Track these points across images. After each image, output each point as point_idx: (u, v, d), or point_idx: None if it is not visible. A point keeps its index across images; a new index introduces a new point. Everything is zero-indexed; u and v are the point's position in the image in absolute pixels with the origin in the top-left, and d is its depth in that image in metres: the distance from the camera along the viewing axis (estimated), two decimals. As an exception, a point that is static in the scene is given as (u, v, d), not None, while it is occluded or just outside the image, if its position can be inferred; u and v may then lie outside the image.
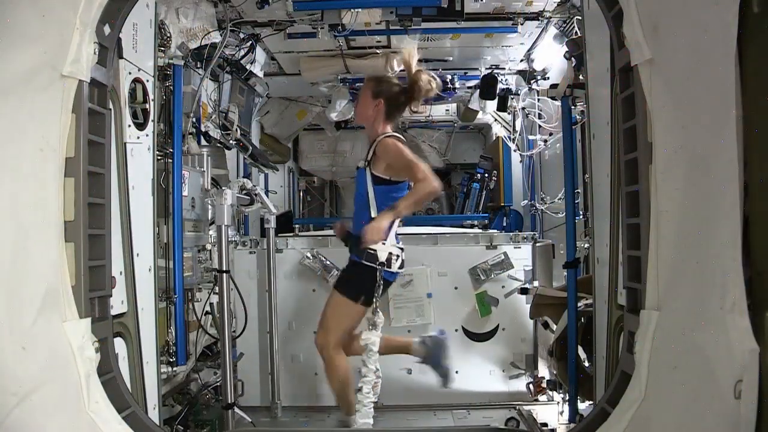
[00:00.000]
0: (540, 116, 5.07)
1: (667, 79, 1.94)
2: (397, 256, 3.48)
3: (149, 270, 2.88)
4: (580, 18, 3.27)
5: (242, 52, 4.38)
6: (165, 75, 3.49)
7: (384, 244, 3.42)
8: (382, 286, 3.42)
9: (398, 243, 3.53)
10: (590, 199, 2.92)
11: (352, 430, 3.49)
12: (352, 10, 3.90)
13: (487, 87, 5.08)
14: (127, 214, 2.64)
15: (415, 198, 3.37)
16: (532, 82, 5.16)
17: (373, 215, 3.42)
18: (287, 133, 6.66)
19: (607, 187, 2.58)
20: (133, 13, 2.55)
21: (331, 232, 4.41)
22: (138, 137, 2.82)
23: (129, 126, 2.74)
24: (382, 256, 3.41)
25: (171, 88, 3.52)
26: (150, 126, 2.96)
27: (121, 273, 2.59)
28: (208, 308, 3.91)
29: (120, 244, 2.59)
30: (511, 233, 4.44)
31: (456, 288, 4.31)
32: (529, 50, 4.86)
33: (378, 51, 4.73)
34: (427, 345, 3.79)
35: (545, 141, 5.22)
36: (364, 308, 3.49)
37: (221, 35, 3.93)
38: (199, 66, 3.86)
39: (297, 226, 5.52)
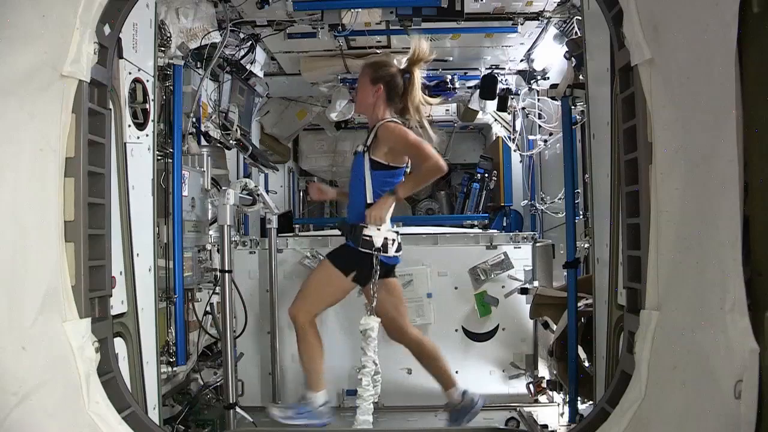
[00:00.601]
0: (540, 116, 5.07)
1: (667, 79, 1.94)
2: (393, 240, 3.46)
3: (149, 270, 2.87)
4: (580, 18, 3.26)
5: (242, 52, 4.38)
6: (165, 75, 3.49)
7: (379, 229, 3.41)
8: (379, 272, 3.38)
9: (393, 227, 3.51)
10: (590, 199, 2.92)
11: (353, 430, 3.48)
12: (352, 10, 3.90)
13: (487, 87, 5.08)
14: (127, 214, 2.64)
15: (419, 178, 3.38)
16: (532, 82, 5.16)
17: (369, 201, 3.41)
18: (287, 133, 6.66)
19: (607, 187, 2.57)
20: (133, 13, 2.54)
21: (331, 232, 4.42)
22: (138, 137, 2.82)
23: (129, 126, 2.74)
24: (378, 242, 3.38)
25: (171, 88, 3.52)
26: (150, 126, 2.96)
27: (121, 273, 2.59)
28: (207, 308, 3.91)
29: (120, 244, 2.59)
30: (511, 233, 4.44)
31: (456, 288, 4.30)
32: (529, 50, 4.86)
33: (378, 51, 4.73)
34: (463, 401, 3.59)
35: (545, 141, 5.22)
36: (351, 286, 3.46)
37: (221, 35, 3.93)
38: (199, 66, 3.86)
39: (297, 226, 5.52)
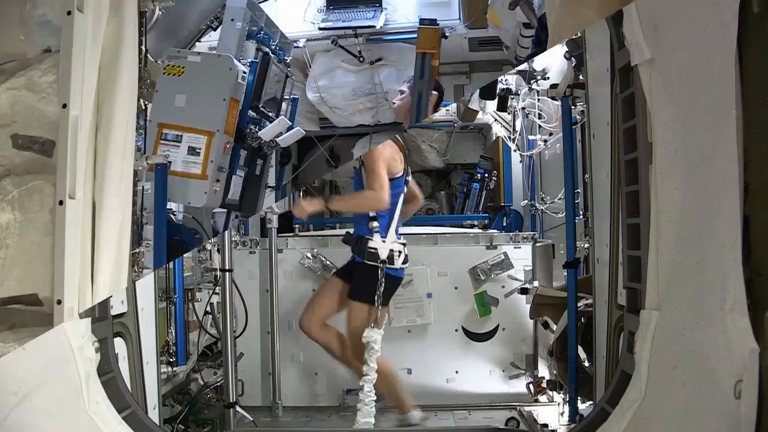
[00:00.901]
0: (540, 116, 5.06)
1: (667, 79, 1.94)
2: (399, 252, 3.49)
3: (149, 270, 2.87)
4: (580, 18, 3.26)
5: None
6: (165, 75, 3.48)
7: (384, 241, 3.43)
8: (384, 284, 3.42)
9: (399, 239, 3.54)
10: (590, 199, 2.93)
11: (353, 430, 3.49)
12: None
13: (487, 87, 5.07)
14: (127, 214, 2.63)
15: (353, 201, 3.49)
16: (532, 82, 5.15)
17: (371, 215, 3.43)
18: (287, 133, 6.65)
19: (607, 187, 2.58)
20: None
21: (331, 232, 4.42)
22: (138, 137, 2.82)
23: (129, 126, 2.73)
24: (383, 254, 3.42)
25: (171, 88, 3.51)
26: (150, 126, 2.96)
27: (121, 273, 2.58)
28: (207, 308, 3.91)
29: (120, 244, 2.58)
30: (511, 233, 4.45)
31: (456, 288, 4.31)
32: (529, 50, 4.85)
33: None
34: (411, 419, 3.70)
35: (545, 141, 5.21)
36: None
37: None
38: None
39: (297, 226, 5.51)
